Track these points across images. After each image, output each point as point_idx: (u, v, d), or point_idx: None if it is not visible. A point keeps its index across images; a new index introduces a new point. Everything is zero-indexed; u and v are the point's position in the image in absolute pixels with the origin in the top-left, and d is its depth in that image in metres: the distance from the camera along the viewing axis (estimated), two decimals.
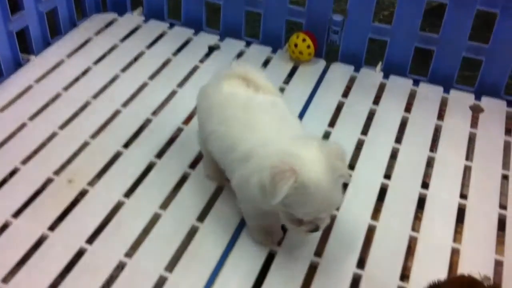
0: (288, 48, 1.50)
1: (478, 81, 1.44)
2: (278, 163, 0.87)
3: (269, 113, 1.00)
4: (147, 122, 1.30)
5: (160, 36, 1.58)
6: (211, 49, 1.54)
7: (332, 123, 1.33)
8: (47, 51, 1.49)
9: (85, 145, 1.23)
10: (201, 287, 0.98)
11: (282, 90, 1.40)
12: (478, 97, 1.43)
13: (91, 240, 1.04)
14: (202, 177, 1.16)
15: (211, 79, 1.10)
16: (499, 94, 1.43)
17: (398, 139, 1.29)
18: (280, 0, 1.51)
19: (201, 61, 1.50)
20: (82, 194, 1.13)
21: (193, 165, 1.20)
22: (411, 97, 1.42)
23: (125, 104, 1.34)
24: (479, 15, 1.37)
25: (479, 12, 1.37)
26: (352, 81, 1.47)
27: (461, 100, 1.42)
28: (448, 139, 1.30)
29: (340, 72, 1.49)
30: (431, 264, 1.03)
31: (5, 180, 1.14)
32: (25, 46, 1.46)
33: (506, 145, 1.29)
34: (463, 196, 1.17)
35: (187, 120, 1.31)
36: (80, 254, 1.02)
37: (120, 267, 1.00)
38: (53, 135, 1.25)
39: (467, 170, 1.23)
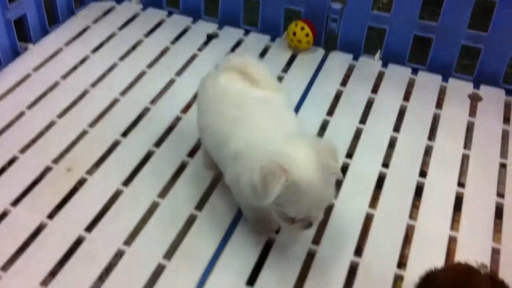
0: (287, 37, 1.50)
1: (476, 70, 1.43)
2: (268, 163, 0.86)
3: (262, 109, 0.99)
4: (145, 111, 1.30)
5: (158, 24, 1.58)
6: (210, 38, 1.54)
7: (330, 112, 1.33)
8: (45, 39, 1.49)
9: (83, 133, 1.23)
10: (200, 275, 0.98)
11: (280, 78, 1.40)
12: (476, 86, 1.42)
13: (89, 228, 1.04)
14: (201, 166, 1.16)
15: (212, 70, 1.09)
16: (497, 83, 1.42)
17: (397, 128, 1.29)
18: None
19: (200, 49, 1.50)
20: (81, 182, 1.13)
21: (191, 153, 1.20)
22: (410, 85, 1.42)
23: (123, 92, 1.34)
24: (478, 3, 1.37)
25: (478, 0, 1.36)
26: (350, 69, 1.47)
27: (459, 89, 1.42)
28: (447, 127, 1.30)
29: (338, 61, 1.49)
30: (428, 252, 1.03)
31: (3, 169, 1.14)
32: (23, 34, 1.45)
33: (504, 134, 1.30)
34: (461, 184, 1.17)
35: (186, 109, 1.31)
36: (78, 242, 1.02)
37: (119, 255, 1.01)
38: (51, 124, 1.25)
39: (465, 159, 1.23)
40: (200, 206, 1.10)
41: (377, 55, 1.49)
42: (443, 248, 1.04)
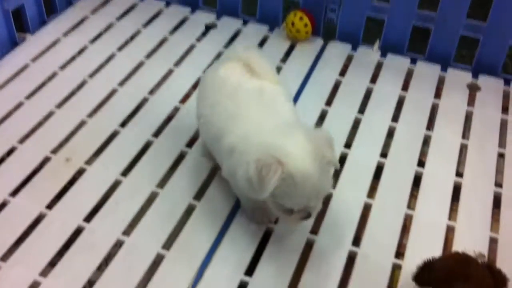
0: (286, 27, 1.50)
1: (475, 60, 1.43)
2: (263, 156, 0.86)
3: (258, 101, 0.98)
4: (143, 101, 1.30)
5: (157, 14, 1.58)
6: (208, 28, 1.53)
7: (329, 102, 1.32)
8: (43, 30, 1.48)
9: (82, 124, 1.23)
10: (198, 264, 0.98)
11: (279, 69, 1.40)
12: (475, 76, 1.42)
13: (88, 218, 1.05)
14: (199, 156, 1.17)
15: (216, 63, 1.09)
16: (496, 73, 1.42)
17: (395, 118, 1.29)
18: None
19: (198, 39, 1.49)
20: (80, 172, 1.13)
21: (190, 144, 1.20)
22: (409, 75, 1.42)
23: (122, 83, 1.34)
24: None
25: None
26: (349, 59, 1.46)
27: (458, 79, 1.41)
28: (445, 117, 1.30)
29: (337, 51, 1.48)
30: (426, 242, 1.04)
31: (2, 159, 1.15)
32: (21, 25, 1.45)
33: (503, 124, 1.30)
34: (459, 174, 1.17)
35: (184, 99, 1.31)
36: (78, 232, 1.03)
37: (118, 245, 1.01)
38: (50, 114, 1.25)
39: (463, 149, 1.23)
40: (198, 196, 1.10)
41: (376, 45, 1.49)
42: (441, 237, 1.05)
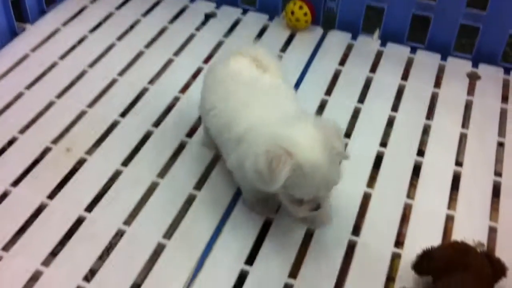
0: (285, 16, 1.49)
1: (475, 49, 1.43)
2: (273, 148, 0.86)
3: (269, 95, 0.99)
4: (144, 91, 1.30)
5: (156, 3, 1.57)
6: (208, 17, 1.53)
7: (329, 91, 1.33)
8: (43, 19, 1.48)
9: (82, 114, 1.23)
10: (199, 254, 0.99)
11: (279, 58, 1.40)
12: (475, 65, 1.42)
13: (90, 208, 1.05)
14: (200, 145, 1.17)
15: (220, 56, 1.09)
16: (496, 62, 1.42)
17: (395, 107, 1.29)
18: None
19: (198, 29, 1.49)
20: (80, 162, 1.13)
21: (190, 133, 1.20)
22: (408, 64, 1.42)
23: (122, 73, 1.34)
24: None
25: None
26: (349, 48, 1.46)
27: (458, 68, 1.41)
28: (445, 106, 1.30)
29: (337, 40, 1.48)
30: (426, 231, 1.04)
31: (3, 149, 1.15)
32: (20, 14, 1.45)
33: (502, 113, 1.30)
34: (459, 163, 1.17)
35: (184, 89, 1.31)
36: (79, 222, 1.03)
37: (119, 234, 1.02)
38: (50, 104, 1.25)
39: (463, 138, 1.23)
40: (199, 185, 1.10)
41: (376, 34, 1.49)
42: (440, 226, 1.05)
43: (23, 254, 0.97)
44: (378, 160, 1.17)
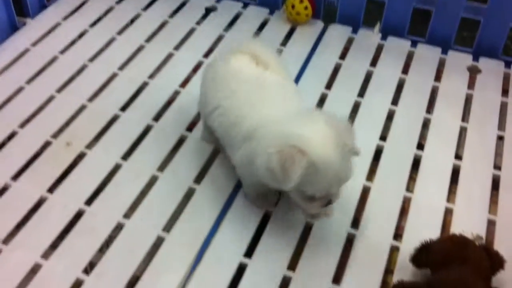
0: (286, 10, 1.49)
1: (476, 42, 1.43)
2: (285, 148, 0.86)
3: (277, 91, 0.98)
4: (144, 85, 1.30)
5: None
6: (208, 11, 1.53)
7: (329, 85, 1.32)
8: (43, 14, 1.48)
9: (82, 108, 1.24)
10: (198, 247, 0.99)
11: (279, 52, 1.40)
12: (476, 58, 1.42)
13: (89, 201, 1.06)
14: (199, 140, 1.17)
15: (219, 56, 1.07)
16: (497, 55, 1.42)
17: (395, 101, 1.29)
18: None
19: (198, 23, 1.49)
20: (80, 156, 1.14)
21: (190, 128, 1.20)
22: (409, 58, 1.42)
23: (122, 67, 1.34)
24: None
25: None
26: (350, 42, 1.46)
27: (458, 61, 1.41)
28: (445, 100, 1.30)
29: (337, 34, 1.48)
30: (424, 224, 1.04)
31: (3, 144, 1.15)
32: (21, 9, 1.45)
33: (503, 106, 1.30)
34: (458, 157, 1.17)
35: (184, 83, 1.31)
36: (79, 215, 1.04)
37: (119, 227, 1.02)
38: (50, 99, 1.25)
39: (463, 131, 1.23)
40: (198, 179, 1.11)
41: (377, 28, 1.49)
42: (439, 220, 1.05)
43: (23, 247, 0.98)
44: (378, 154, 1.17)
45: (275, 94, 0.98)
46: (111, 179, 1.10)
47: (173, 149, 1.16)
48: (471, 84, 1.35)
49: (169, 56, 1.38)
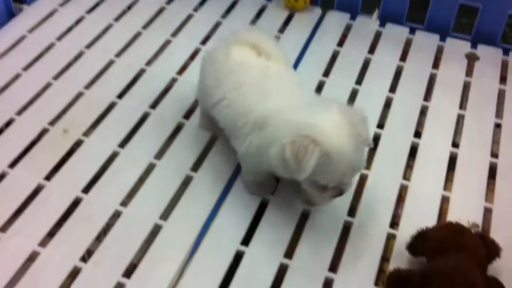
0: None
1: (474, 29, 1.42)
2: (298, 138, 0.85)
3: (285, 81, 0.98)
4: (141, 72, 1.30)
5: None
6: None
7: (327, 72, 1.32)
8: (40, 0, 1.47)
9: (79, 95, 1.23)
10: (195, 235, 1.00)
11: (277, 39, 1.39)
12: (474, 45, 1.41)
13: (87, 189, 1.06)
14: (197, 127, 1.17)
15: (219, 45, 1.06)
16: (495, 42, 1.41)
17: (393, 88, 1.29)
18: None
19: (195, 9, 1.48)
20: (78, 144, 1.14)
21: (187, 115, 1.20)
22: (407, 45, 1.41)
23: (119, 54, 1.34)
24: None
25: None
26: (348, 29, 1.45)
27: (457, 49, 1.41)
28: (443, 87, 1.30)
29: (336, 20, 1.47)
30: (421, 212, 1.04)
31: (0, 131, 1.15)
32: None
33: (500, 94, 1.30)
34: (455, 144, 1.17)
35: (182, 70, 1.31)
36: (76, 203, 1.04)
37: (116, 215, 1.02)
38: (47, 86, 1.25)
39: (460, 119, 1.23)
40: (196, 167, 1.11)
41: (375, 15, 1.48)
42: (436, 208, 1.05)
43: (20, 235, 0.98)
44: (375, 141, 1.16)
45: (282, 84, 0.98)
46: (109, 166, 1.10)
47: (170, 136, 1.16)
48: (469, 72, 1.35)
49: (167, 43, 1.38)
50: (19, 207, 1.02)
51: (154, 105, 1.22)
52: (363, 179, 1.09)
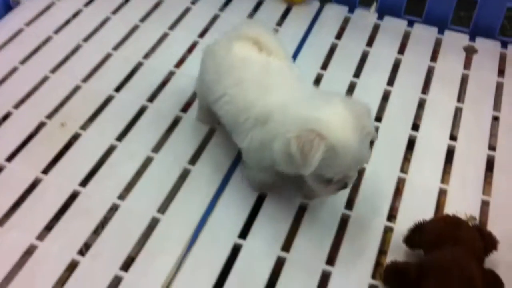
0: None
1: (473, 22, 1.42)
2: (303, 132, 0.85)
3: (286, 76, 0.97)
4: (138, 66, 1.29)
5: None
6: None
7: (325, 65, 1.32)
8: None
9: (77, 88, 1.23)
10: (193, 228, 1.00)
11: (275, 31, 1.39)
12: (472, 38, 1.41)
13: (84, 183, 1.06)
14: (194, 120, 1.17)
15: (219, 39, 1.06)
16: (493, 35, 1.41)
17: (391, 81, 1.29)
18: None
19: (193, 2, 1.47)
20: (75, 137, 1.14)
21: (185, 108, 1.20)
22: (405, 38, 1.41)
23: (116, 47, 1.33)
24: None
25: None
26: (346, 22, 1.45)
27: (455, 41, 1.40)
28: (441, 80, 1.30)
29: (334, 13, 1.47)
30: (418, 205, 1.05)
31: None
32: None
33: (498, 86, 1.29)
34: (453, 137, 1.17)
35: (179, 63, 1.30)
36: (73, 196, 1.04)
37: (114, 209, 1.03)
38: (44, 79, 1.25)
39: (458, 112, 1.23)
40: (193, 160, 1.11)
41: (373, 7, 1.48)
42: (433, 200, 1.05)
43: (18, 228, 0.98)
44: None
45: (283, 79, 0.97)
46: (106, 160, 1.10)
47: (168, 129, 1.16)
48: (467, 64, 1.35)
49: (164, 36, 1.37)
50: (16, 200, 1.02)
51: (151, 98, 1.22)
52: (361, 172, 1.09)
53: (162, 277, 0.93)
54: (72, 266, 0.94)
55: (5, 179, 1.05)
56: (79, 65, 1.28)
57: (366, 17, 1.46)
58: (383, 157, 1.12)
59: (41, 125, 1.15)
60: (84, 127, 1.15)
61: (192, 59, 1.30)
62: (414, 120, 1.20)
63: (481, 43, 1.40)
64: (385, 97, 1.25)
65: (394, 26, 1.44)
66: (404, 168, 1.11)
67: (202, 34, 1.38)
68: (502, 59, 1.36)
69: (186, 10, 1.45)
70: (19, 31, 1.36)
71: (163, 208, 1.03)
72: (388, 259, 0.96)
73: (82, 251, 0.96)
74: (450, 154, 1.14)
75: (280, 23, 1.43)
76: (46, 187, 1.04)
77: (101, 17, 1.41)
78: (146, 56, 1.32)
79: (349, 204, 1.04)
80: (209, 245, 0.98)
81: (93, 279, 0.93)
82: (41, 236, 0.97)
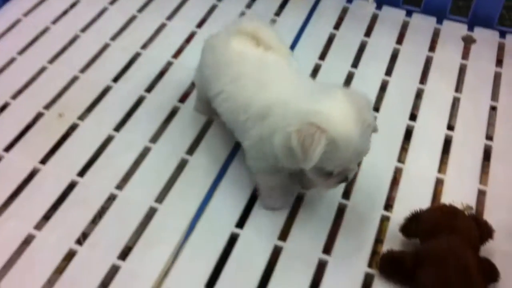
0: None
1: (471, 12, 1.42)
2: (304, 126, 0.84)
3: (285, 71, 0.97)
4: (136, 56, 1.29)
5: None
6: None
7: (323, 56, 1.32)
8: None
9: (74, 79, 1.23)
10: (190, 218, 1.00)
11: (273, 22, 1.39)
12: (471, 28, 1.41)
13: (82, 173, 1.06)
14: (192, 111, 1.17)
15: (218, 33, 1.05)
16: (492, 25, 1.41)
17: (389, 71, 1.29)
18: None
19: None
20: (73, 128, 1.14)
21: (182, 99, 1.20)
22: (404, 28, 1.41)
23: (114, 37, 1.33)
24: None
25: None
26: (344, 12, 1.45)
27: (453, 31, 1.40)
28: (439, 70, 1.30)
29: (332, 3, 1.46)
30: (415, 194, 1.05)
31: None
32: None
33: (496, 76, 1.29)
34: (451, 127, 1.17)
35: (177, 54, 1.30)
36: (71, 186, 1.04)
37: (111, 199, 1.03)
38: (42, 70, 1.25)
39: (456, 102, 1.23)
40: (191, 150, 1.11)
41: None
42: (430, 190, 1.06)
43: (16, 218, 0.98)
44: None
45: (281, 73, 0.96)
46: (104, 150, 1.10)
47: (166, 120, 1.16)
48: (465, 54, 1.35)
49: (162, 26, 1.37)
50: (14, 190, 1.03)
51: (149, 89, 1.22)
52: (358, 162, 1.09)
53: (159, 267, 0.94)
54: (70, 255, 0.95)
55: (3, 169, 1.06)
56: (77, 56, 1.28)
57: (364, 7, 1.46)
58: (381, 146, 1.12)
59: (39, 116, 1.15)
60: (82, 117, 1.15)
61: (190, 49, 1.30)
62: (412, 110, 1.20)
63: (479, 33, 1.40)
64: (383, 87, 1.25)
65: (392, 16, 1.44)
66: (401, 158, 1.11)
67: (200, 24, 1.38)
68: (501, 49, 1.36)
69: (184, 1, 1.45)
70: (17, 22, 1.36)
71: (160, 198, 1.03)
72: (385, 248, 0.97)
73: (80, 241, 0.97)
74: (447, 143, 1.14)
75: (278, 13, 1.43)
76: (44, 177, 1.05)
77: (99, 8, 1.40)
78: (144, 46, 1.32)
79: (346, 194, 1.04)
80: (207, 235, 0.98)
81: (90, 268, 0.93)
82: (39, 226, 0.98)
